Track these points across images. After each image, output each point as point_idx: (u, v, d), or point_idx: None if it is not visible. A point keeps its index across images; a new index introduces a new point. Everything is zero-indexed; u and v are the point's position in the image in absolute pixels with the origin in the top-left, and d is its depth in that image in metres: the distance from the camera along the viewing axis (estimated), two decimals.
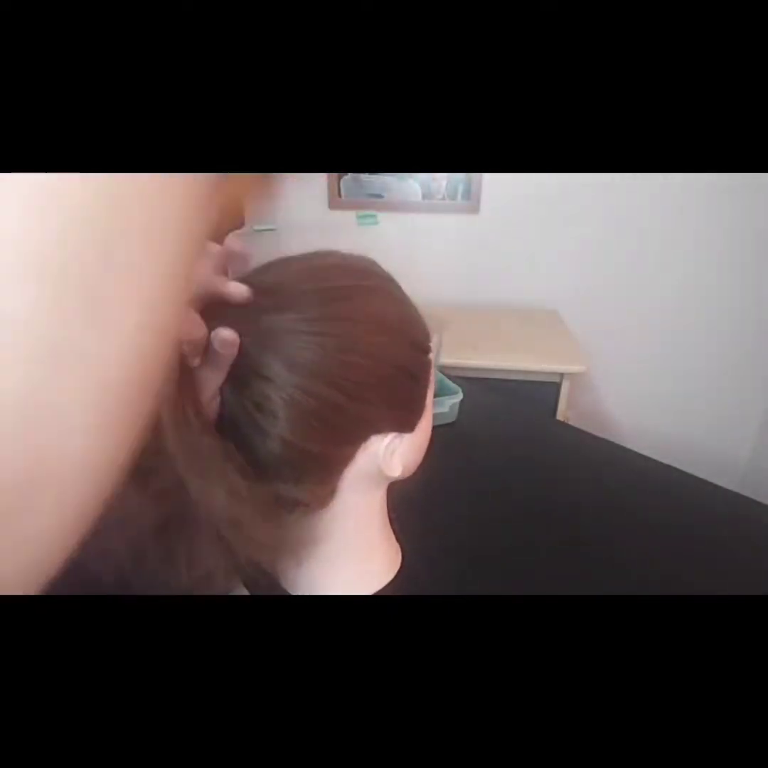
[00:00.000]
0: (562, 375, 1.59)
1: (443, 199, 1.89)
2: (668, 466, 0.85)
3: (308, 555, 0.47)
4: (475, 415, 0.98)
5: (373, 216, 1.92)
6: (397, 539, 0.54)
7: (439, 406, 0.91)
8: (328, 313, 0.39)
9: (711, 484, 0.81)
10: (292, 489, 0.41)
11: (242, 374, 0.38)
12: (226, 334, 0.35)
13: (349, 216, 1.93)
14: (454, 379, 0.99)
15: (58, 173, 0.17)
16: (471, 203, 1.87)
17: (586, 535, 0.70)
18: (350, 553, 0.48)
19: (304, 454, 0.40)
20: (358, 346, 0.40)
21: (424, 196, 1.90)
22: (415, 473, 0.49)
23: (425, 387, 0.47)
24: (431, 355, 0.47)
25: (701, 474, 0.82)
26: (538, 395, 1.60)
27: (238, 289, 0.38)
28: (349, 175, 1.92)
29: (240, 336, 0.36)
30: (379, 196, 1.92)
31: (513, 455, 0.89)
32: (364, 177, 1.91)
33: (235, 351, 0.36)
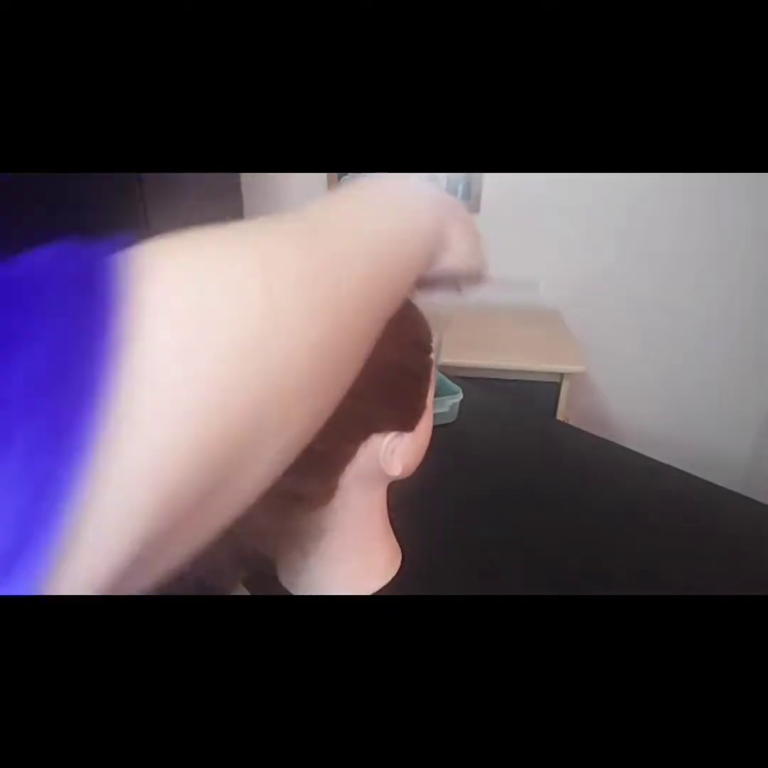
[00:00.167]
0: (562, 375, 1.59)
1: None
2: (668, 466, 0.85)
3: (313, 547, 0.47)
4: (475, 415, 0.98)
5: None
6: (397, 538, 0.54)
7: (439, 406, 0.91)
8: None
9: (711, 484, 0.81)
10: (294, 485, 0.41)
11: None
12: None
13: None
14: (454, 379, 0.99)
15: None
16: (471, 203, 1.87)
17: (586, 534, 0.70)
18: (350, 551, 0.48)
19: (305, 451, 0.40)
20: None
21: None
22: (415, 473, 0.49)
23: (426, 386, 0.47)
24: (432, 355, 0.47)
25: (701, 474, 0.82)
26: (538, 395, 1.60)
27: None
28: (349, 175, 1.92)
29: None
30: None
31: (513, 455, 0.89)
32: (364, 177, 1.91)
33: None
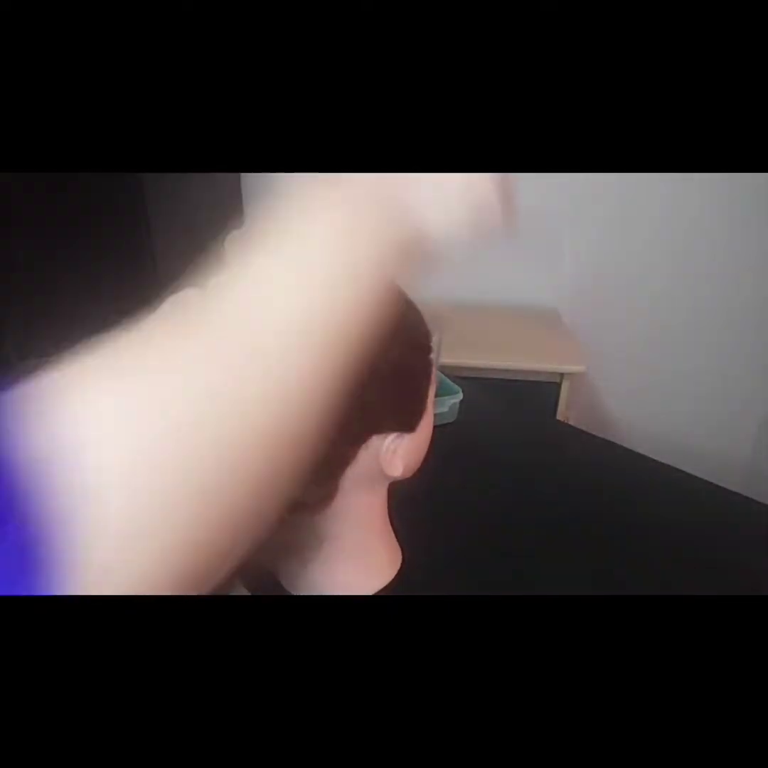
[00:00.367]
0: (562, 375, 1.59)
1: None
2: (668, 466, 0.85)
3: (314, 550, 0.47)
4: (475, 415, 0.98)
5: None
6: (398, 539, 0.54)
7: (439, 406, 0.91)
8: None
9: (711, 484, 0.81)
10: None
11: None
12: None
13: None
14: (454, 379, 0.99)
15: None
16: None
17: (586, 535, 0.70)
18: (351, 552, 0.48)
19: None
20: None
21: None
22: (415, 473, 0.49)
23: (426, 387, 0.47)
24: (432, 355, 0.47)
25: (701, 474, 0.82)
26: (538, 395, 1.60)
27: None
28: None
29: None
30: None
31: (513, 455, 0.89)
32: None
33: None
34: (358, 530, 0.48)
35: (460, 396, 0.94)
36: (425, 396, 0.47)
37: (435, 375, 0.48)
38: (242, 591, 0.47)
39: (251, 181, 1.94)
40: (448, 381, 0.97)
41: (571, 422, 1.45)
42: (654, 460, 0.87)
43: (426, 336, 0.46)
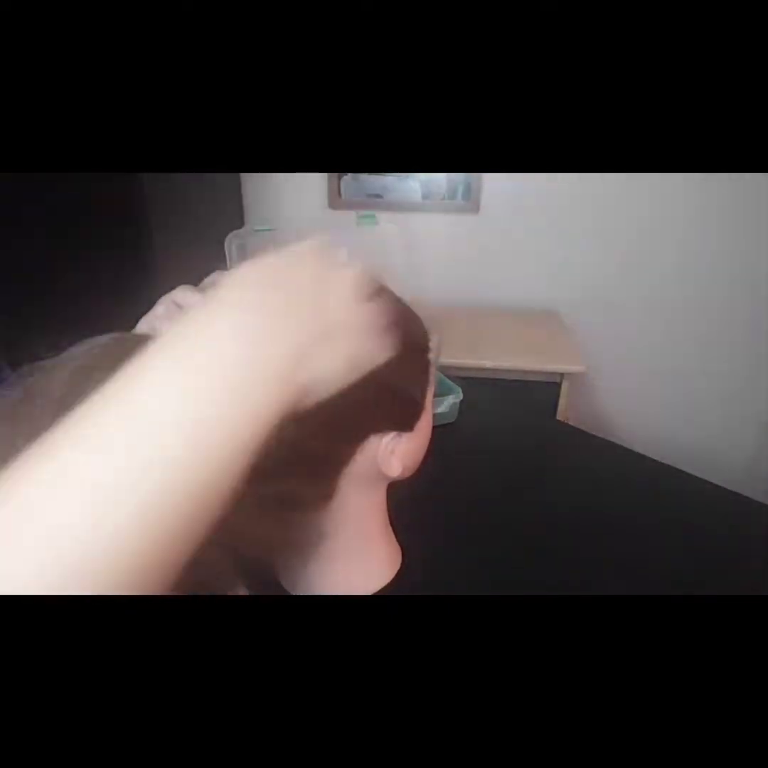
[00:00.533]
0: (562, 375, 1.59)
1: (443, 199, 1.89)
2: (668, 466, 0.85)
3: (314, 551, 0.47)
4: (475, 415, 0.98)
5: (373, 216, 1.92)
6: (397, 539, 0.54)
7: (438, 406, 0.91)
8: None
9: (711, 484, 0.81)
10: (292, 490, 0.41)
11: None
12: None
13: (349, 216, 1.93)
14: (454, 379, 0.99)
15: None
16: (471, 203, 1.87)
17: (586, 534, 0.70)
18: (350, 552, 0.48)
19: (302, 455, 0.40)
20: None
21: (423, 196, 1.90)
22: (414, 473, 0.49)
23: (425, 387, 0.47)
24: (431, 355, 0.47)
25: (701, 474, 0.82)
26: (538, 395, 1.60)
27: None
28: (349, 175, 1.92)
29: None
30: (379, 196, 1.92)
31: (513, 455, 0.89)
32: (364, 177, 1.91)
33: None
34: (357, 530, 0.48)
35: (460, 396, 0.94)
36: (424, 396, 0.47)
37: (434, 375, 0.48)
38: (242, 591, 0.47)
39: (251, 181, 1.94)
40: (448, 381, 0.97)
41: (571, 422, 1.45)
42: (654, 460, 0.87)
43: (424, 336, 0.46)
